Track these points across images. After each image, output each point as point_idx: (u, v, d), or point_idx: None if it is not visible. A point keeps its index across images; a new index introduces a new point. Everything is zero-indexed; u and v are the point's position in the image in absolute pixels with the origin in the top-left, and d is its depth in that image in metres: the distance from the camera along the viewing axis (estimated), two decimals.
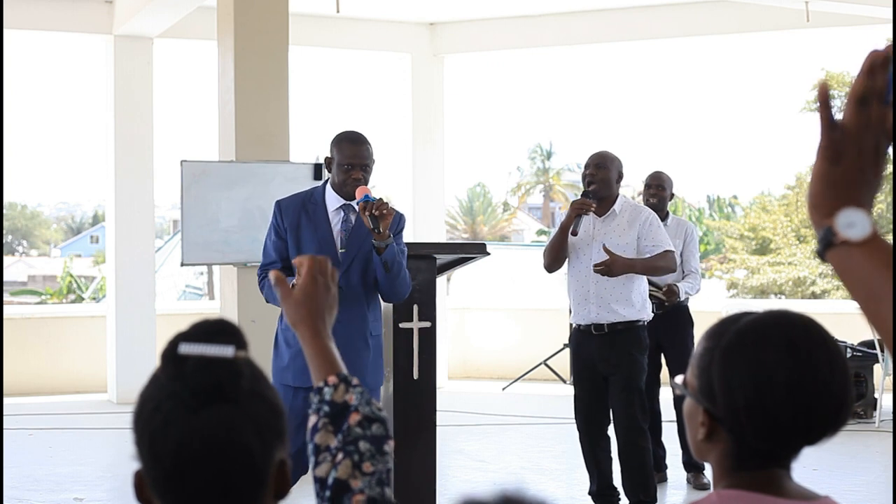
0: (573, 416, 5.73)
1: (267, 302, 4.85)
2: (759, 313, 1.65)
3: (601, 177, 5.61)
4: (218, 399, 1.39)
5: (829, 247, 1.32)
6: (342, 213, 4.81)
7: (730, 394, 1.61)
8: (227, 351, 1.42)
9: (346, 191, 4.76)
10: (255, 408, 1.41)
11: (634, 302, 5.58)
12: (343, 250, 4.75)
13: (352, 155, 4.74)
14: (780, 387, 1.58)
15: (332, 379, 1.71)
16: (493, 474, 7.04)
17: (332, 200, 4.81)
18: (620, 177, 5.70)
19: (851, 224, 1.31)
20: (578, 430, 5.71)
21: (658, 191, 6.73)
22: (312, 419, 1.68)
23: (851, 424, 8.53)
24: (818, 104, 1.37)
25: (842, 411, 1.61)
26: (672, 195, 6.83)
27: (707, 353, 1.65)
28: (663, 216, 6.71)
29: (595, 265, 5.46)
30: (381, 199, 4.61)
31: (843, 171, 1.35)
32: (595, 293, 5.57)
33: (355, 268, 4.72)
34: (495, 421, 9.09)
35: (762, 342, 1.61)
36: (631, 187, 30.78)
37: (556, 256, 5.68)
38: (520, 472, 7.11)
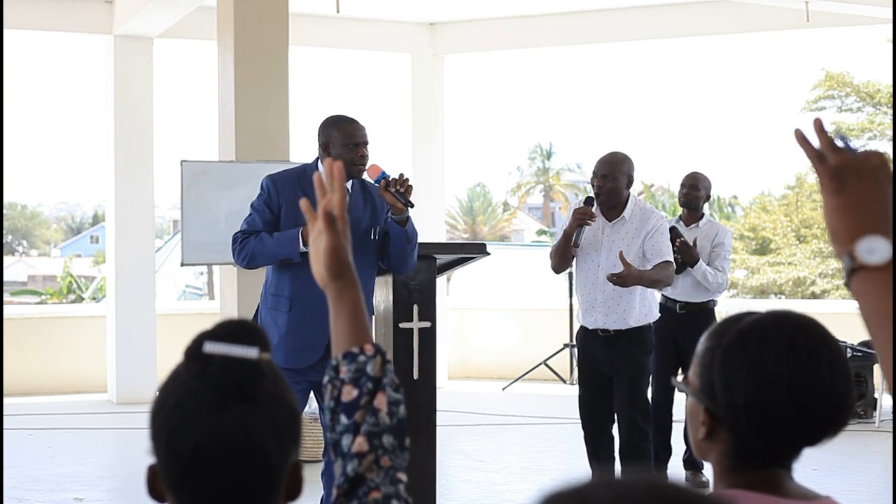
0: (577, 415, 5.74)
1: (242, 265, 4.88)
2: (761, 313, 1.65)
3: (609, 187, 5.57)
4: (239, 400, 1.39)
5: (851, 273, 1.32)
6: None
7: (730, 393, 1.61)
8: (251, 352, 1.42)
9: (353, 169, 4.78)
10: (275, 410, 1.41)
11: (642, 309, 5.60)
12: None
13: (356, 133, 4.82)
14: (780, 387, 1.58)
15: (368, 348, 1.61)
16: (493, 474, 7.03)
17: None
18: (630, 181, 5.66)
19: (871, 250, 1.31)
20: (582, 428, 5.72)
21: (691, 191, 6.73)
22: (351, 391, 1.58)
23: (851, 424, 8.54)
24: (799, 143, 1.39)
25: (842, 412, 1.61)
26: (708, 196, 6.81)
27: (708, 352, 1.65)
28: (698, 217, 6.72)
29: (609, 276, 5.43)
30: (401, 174, 4.76)
31: (849, 197, 1.35)
32: (602, 301, 5.59)
33: (355, 248, 4.72)
34: (495, 421, 9.09)
35: (763, 342, 1.61)
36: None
37: (561, 261, 5.71)
38: (520, 472, 7.11)
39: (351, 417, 1.58)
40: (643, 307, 5.60)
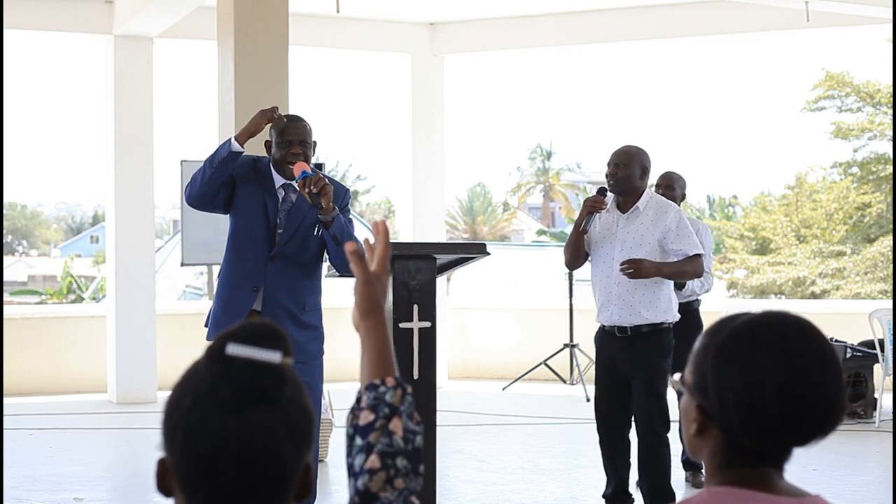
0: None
1: (187, 197, 5.00)
2: (757, 313, 1.66)
3: (622, 175, 5.54)
4: (259, 403, 1.39)
5: None
6: (283, 192, 4.99)
7: (721, 390, 1.62)
8: (274, 356, 1.42)
9: (285, 166, 4.93)
10: (292, 414, 1.42)
11: (659, 304, 5.49)
12: (280, 230, 4.95)
13: (290, 131, 4.93)
14: (770, 386, 1.59)
15: (390, 380, 1.69)
16: (493, 474, 7.03)
17: (277, 178, 5.00)
18: (645, 171, 5.62)
19: None
20: (597, 431, 5.61)
21: (666, 190, 6.71)
22: (368, 416, 1.65)
23: (851, 424, 8.55)
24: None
25: (832, 414, 1.62)
26: (683, 195, 6.81)
27: (703, 349, 1.67)
28: None
29: (621, 265, 5.39)
30: (317, 174, 4.78)
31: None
32: (617, 294, 5.48)
33: (291, 245, 4.92)
34: (495, 421, 9.09)
35: (756, 341, 1.62)
36: None
37: (574, 254, 5.66)
38: (520, 472, 7.11)
39: (365, 439, 1.63)
40: (662, 303, 5.48)
